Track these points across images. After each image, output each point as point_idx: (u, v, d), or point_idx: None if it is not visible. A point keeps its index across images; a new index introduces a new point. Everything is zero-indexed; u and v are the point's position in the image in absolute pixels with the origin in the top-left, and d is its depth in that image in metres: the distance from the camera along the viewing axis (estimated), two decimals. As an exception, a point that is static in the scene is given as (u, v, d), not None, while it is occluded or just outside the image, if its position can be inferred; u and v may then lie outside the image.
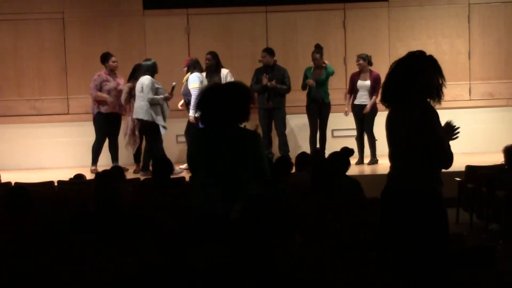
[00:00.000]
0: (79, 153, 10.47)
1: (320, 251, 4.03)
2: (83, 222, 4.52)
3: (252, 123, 4.71)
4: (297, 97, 10.56)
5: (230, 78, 9.70)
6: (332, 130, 10.76)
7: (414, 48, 4.20)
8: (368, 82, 9.87)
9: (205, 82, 9.41)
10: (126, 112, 9.83)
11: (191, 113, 9.41)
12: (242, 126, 4.41)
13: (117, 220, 4.45)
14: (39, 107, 11.08)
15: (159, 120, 9.33)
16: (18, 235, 4.71)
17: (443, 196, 3.91)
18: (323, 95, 10.06)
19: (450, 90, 10.91)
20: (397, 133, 3.97)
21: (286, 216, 2.46)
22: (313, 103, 10.07)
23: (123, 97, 9.66)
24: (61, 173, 8.89)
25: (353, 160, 9.92)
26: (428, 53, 4.01)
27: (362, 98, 9.92)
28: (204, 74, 9.72)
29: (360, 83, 9.93)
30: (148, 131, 9.49)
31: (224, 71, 9.84)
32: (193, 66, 9.57)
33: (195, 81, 9.45)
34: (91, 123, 9.94)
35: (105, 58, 9.85)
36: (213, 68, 9.82)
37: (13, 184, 7.43)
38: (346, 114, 10.13)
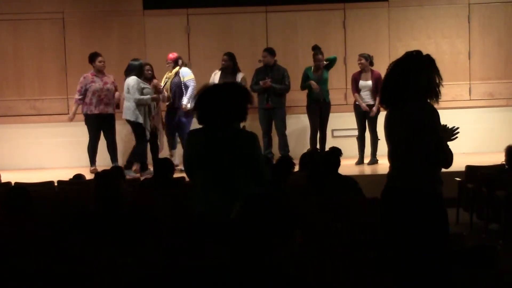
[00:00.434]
0: (79, 153, 10.46)
1: (320, 251, 4.03)
2: (83, 222, 4.51)
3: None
4: (297, 97, 10.57)
5: (243, 83, 9.80)
6: (332, 130, 10.76)
7: (414, 48, 4.20)
8: (369, 82, 9.87)
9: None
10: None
11: (185, 101, 9.60)
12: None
13: (117, 220, 4.45)
14: (39, 107, 11.08)
15: (144, 122, 9.37)
16: (18, 235, 4.71)
17: (443, 196, 3.91)
18: (324, 94, 10.08)
19: (450, 90, 11.00)
20: (397, 133, 3.97)
21: (286, 215, 2.46)
22: (314, 103, 10.07)
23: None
24: (61, 173, 8.88)
25: (353, 160, 9.99)
26: (428, 53, 4.02)
27: (365, 98, 9.93)
28: (218, 73, 9.82)
29: (361, 83, 9.93)
30: (134, 131, 9.53)
31: (240, 75, 9.93)
32: (181, 61, 9.90)
33: (189, 73, 9.87)
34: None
35: (92, 58, 9.83)
36: (229, 69, 9.89)
37: (13, 184, 7.43)
38: (364, 109, 9.94)
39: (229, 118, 4.29)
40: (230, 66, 9.93)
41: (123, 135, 10.44)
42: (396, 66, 3.99)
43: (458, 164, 5.35)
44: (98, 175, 4.79)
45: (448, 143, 3.97)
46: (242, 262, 2.42)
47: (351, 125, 10.27)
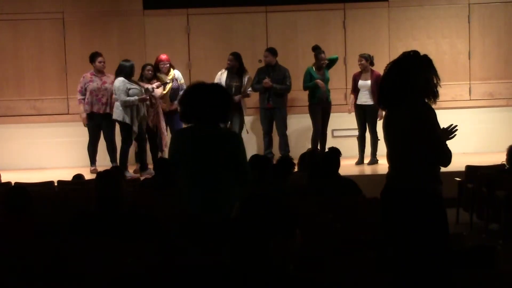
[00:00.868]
0: (79, 153, 10.46)
1: (320, 251, 4.03)
2: (84, 222, 4.51)
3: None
4: (297, 97, 10.57)
5: (248, 84, 9.99)
6: (332, 130, 10.76)
7: (415, 48, 4.20)
8: (368, 82, 9.87)
9: None
10: None
11: None
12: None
13: (117, 220, 4.45)
14: (39, 107, 11.08)
15: (132, 123, 9.36)
16: (18, 235, 4.71)
17: (443, 196, 3.91)
18: (327, 94, 10.09)
19: (450, 90, 11.00)
20: (395, 133, 3.97)
21: (286, 215, 2.46)
22: (318, 103, 10.06)
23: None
24: (61, 173, 8.89)
25: (353, 160, 9.98)
26: (428, 53, 4.02)
27: (364, 98, 9.92)
28: (224, 73, 9.83)
29: (361, 82, 9.93)
30: (120, 131, 9.55)
31: (246, 76, 9.97)
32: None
33: (181, 75, 10.03)
34: (91, 123, 9.97)
35: (92, 58, 9.83)
36: (234, 69, 9.89)
37: (13, 184, 7.43)
38: (350, 112, 10.11)
39: (212, 118, 4.31)
40: (235, 66, 9.92)
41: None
42: (394, 67, 3.99)
43: (458, 164, 5.37)
44: (99, 175, 4.78)
45: (448, 142, 3.98)
46: (242, 262, 2.42)
47: (351, 125, 10.27)
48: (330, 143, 9.95)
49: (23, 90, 11.07)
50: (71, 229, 4.52)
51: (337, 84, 10.85)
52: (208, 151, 4.28)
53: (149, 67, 9.73)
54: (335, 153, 6.34)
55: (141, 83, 9.57)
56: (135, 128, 9.38)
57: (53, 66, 11.06)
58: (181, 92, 9.61)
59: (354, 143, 10.09)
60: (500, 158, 7.82)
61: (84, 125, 9.87)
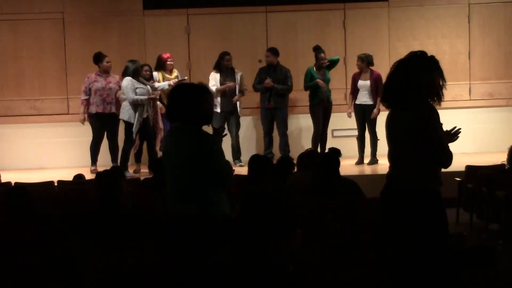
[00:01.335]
0: (79, 153, 10.47)
1: (320, 251, 4.03)
2: (83, 222, 4.52)
3: None
4: (297, 97, 10.57)
5: (243, 81, 10.05)
6: (332, 130, 10.75)
7: (414, 48, 4.21)
8: (368, 82, 9.87)
9: None
10: None
11: None
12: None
13: (117, 220, 4.45)
14: (39, 107, 11.08)
15: (135, 123, 9.36)
16: (18, 235, 4.71)
17: (443, 196, 3.91)
18: (328, 94, 10.09)
19: (450, 90, 10.90)
20: (397, 133, 3.97)
21: (286, 215, 2.46)
22: (319, 103, 10.06)
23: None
24: (61, 173, 8.89)
25: (353, 160, 9.98)
26: (428, 53, 4.02)
27: (363, 98, 9.93)
28: (217, 74, 9.97)
29: (360, 83, 9.93)
30: (125, 131, 9.56)
31: (239, 74, 10.06)
32: None
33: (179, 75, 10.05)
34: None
35: (98, 58, 9.80)
36: (229, 69, 10.02)
37: (13, 184, 7.43)
38: (349, 115, 10.10)
39: (192, 118, 4.32)
40: (231, 65, 10.06)
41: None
42: (400, 66, 3.99)
43: (458, 164, 5.36)
44: (99, 175, 4.79)
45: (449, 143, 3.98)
46: (242, 261, 2.42)
47: (351, 125, 10.26)
48: (330, 143, 9.96)
49: (23, 90, 11.07)
50: (71, 229, 4.52)
51: (337, 84, 10.85)
52: (180, 150, 4.31)
53: (146, 67, 9.73)
54: (335, 154, 6.35)
55: (166, 77, 9.83)
56: (135, 128, 9.39)
57: (53, 66, 11.06)
58: None
59: (354, 143, 10.09)
60: (500, 158, 7.82)
61: (83, 124, 9.88)
